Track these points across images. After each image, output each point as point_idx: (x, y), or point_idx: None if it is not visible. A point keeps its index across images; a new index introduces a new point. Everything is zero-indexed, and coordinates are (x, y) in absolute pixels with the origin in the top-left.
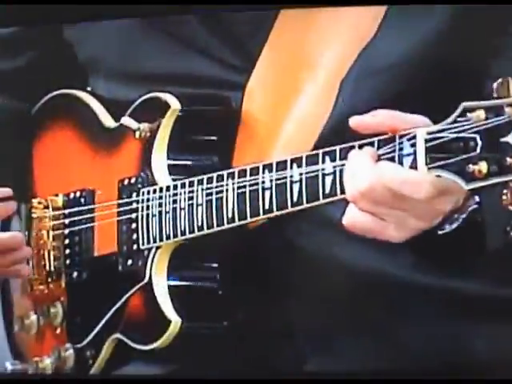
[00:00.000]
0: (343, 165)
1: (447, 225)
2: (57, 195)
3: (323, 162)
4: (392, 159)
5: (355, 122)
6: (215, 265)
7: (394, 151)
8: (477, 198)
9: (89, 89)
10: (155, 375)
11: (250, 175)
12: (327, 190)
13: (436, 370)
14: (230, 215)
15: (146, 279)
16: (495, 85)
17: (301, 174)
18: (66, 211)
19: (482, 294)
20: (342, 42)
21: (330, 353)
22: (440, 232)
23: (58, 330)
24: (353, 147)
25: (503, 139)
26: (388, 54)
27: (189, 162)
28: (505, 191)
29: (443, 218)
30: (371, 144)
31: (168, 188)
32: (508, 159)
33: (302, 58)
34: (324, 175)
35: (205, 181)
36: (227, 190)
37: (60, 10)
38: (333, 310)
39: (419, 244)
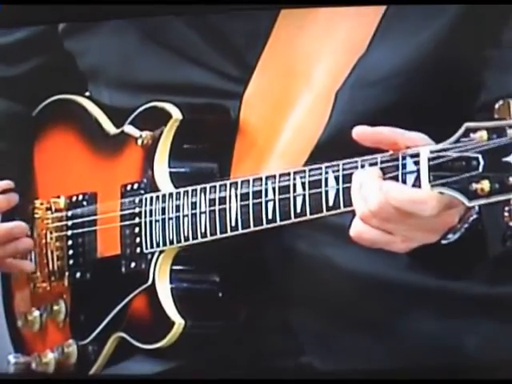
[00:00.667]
0: (347, 179)
1: (451, 234)
2: (59, 197)
3: (326, 175)
4: (396, 177)
5: (358, 132)
6: (215, 268)
7: (397, 169)
8: (477, 208)
9: (87, 94)
10: (154, 374)
11: (253, 186)
12: (330, 203)
13: (434, 370)
14: (233, 224)
15: (150, 282)
16: (496, 105)
17: (304, 187)
18: (69, 213)
19: (480, 293)
20: (336, 53)
21: (329, 353)
22: (444, 242)
23: (61, 327)
24: (356, 162)
25: (505, 159)
26: (383, 66)
27: (189, 170)
28: (506, 208)
29: (451, 228)
30: (374, 160)
31: (171, 195)
32: (510, 178)
33: (298, 69)
34: (327, 189)
35: (208, 190)
36: (230, 201)
37: (59, 11)
38: (332, 312)
39: (419, 250)
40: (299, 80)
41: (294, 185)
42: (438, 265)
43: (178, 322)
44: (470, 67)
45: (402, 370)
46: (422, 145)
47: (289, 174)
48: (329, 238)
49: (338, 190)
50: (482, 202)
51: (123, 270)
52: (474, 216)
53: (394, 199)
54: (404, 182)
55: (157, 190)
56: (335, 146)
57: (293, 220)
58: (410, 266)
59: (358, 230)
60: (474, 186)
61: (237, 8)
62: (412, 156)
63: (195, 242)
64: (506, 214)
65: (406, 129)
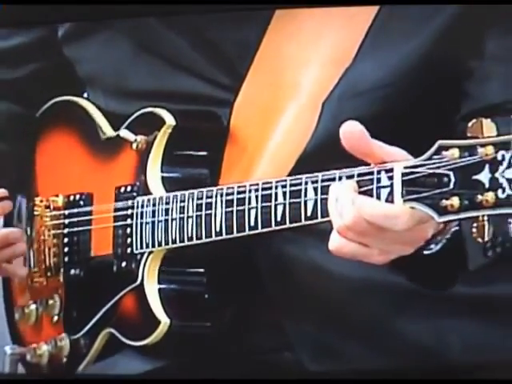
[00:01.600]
0: (324, 190)
1: (433, 245)
2: (57, 196)
3: (305, 186)
4: (370, 191)
5: (346, 130)
6: (202, 270)
7: (372, 183)
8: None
9: (85, 95)
10: (141, 373)
11: (238, 194)
12: (309, 213)
13: (424, 370)
14: (217, 229)
15: (139, 281)
16: (470, 124)
17: (284, 197)
18: (66, 212)
19: (466, 294)
20: (324, 63)
21: (320, 354)
22: (426, 252)
23: (56, 320)
24: (334, 174)
25: (475, 177)
26: (370, 76)
27: (181, 175)
28: (475, 225)
29: (427, 240)
30: (351, 173)
31: (161, 199)
32: (479, 196)
33: (286, 78)
34: (306, 199)
35: (195, 195)
36: (216, 207)
37: (59, 11)
38: (322, 314)
39: (404, 259)
40: (287, 89)
41: (276, 194)
42: (422, 273)
43: (164, 321)
44: (455, 78)
45: (393, 370)
46: (398, 160)
47: (271, 183)
48: (318, 241)
49: (316, 200)
50: (452, 217)
51: (114, 268)
52: (456, 228)
53: (366, 214)
54: (378, 196)
55: (149, 193)
56: (322, 153)
57: (273, 228)
58: (398, 269)
59: (336, 243)
60: (445, 202)
61: (228, 8)
62: (386, 171)
63: (182, 244)
64: (474, 230)
65: (393, 139)
